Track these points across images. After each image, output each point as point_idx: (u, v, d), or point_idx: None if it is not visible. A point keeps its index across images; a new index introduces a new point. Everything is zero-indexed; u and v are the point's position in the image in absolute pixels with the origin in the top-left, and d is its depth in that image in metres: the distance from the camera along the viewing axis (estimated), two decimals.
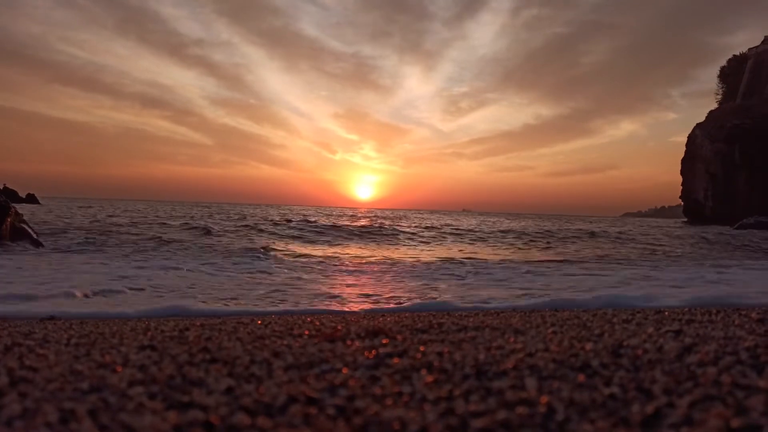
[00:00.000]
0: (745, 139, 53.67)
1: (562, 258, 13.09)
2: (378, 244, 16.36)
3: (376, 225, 24.34)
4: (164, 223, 20.20)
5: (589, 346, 1.58)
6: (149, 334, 2.06)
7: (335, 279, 8.26)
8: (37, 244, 12.22)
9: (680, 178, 65.32)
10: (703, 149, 59.14)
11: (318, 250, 13.66)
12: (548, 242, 18.91)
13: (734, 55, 71.52)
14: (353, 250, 14.04)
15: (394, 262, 11.12)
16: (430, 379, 1.23)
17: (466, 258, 12.21)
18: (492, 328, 2.11)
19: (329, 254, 12.68)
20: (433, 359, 1.43)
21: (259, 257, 11.43)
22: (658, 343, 1.61)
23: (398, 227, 23.53)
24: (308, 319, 3.00)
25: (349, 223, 24.30)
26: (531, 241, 19.38)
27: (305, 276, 8.37)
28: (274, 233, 18.50)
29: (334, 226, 21.55)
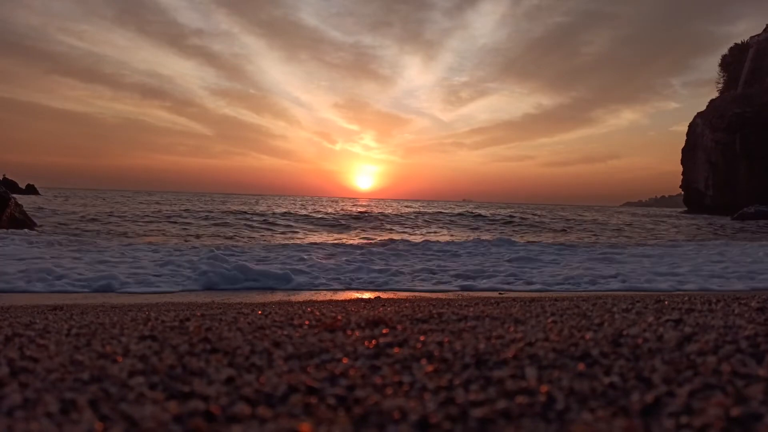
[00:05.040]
0: (747, 127, 53.46)
1: None
2: None
3: None
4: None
5: (588, 335, 1.58)
6: (150, 325, 2.07)
7: None
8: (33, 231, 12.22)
9: (681, 168, 65.17)
10: (704, 138, 58.94)
11: None
12: None
13: (736, 44, 71.10)
14: None
15: None
16: (430, 368, 1.23)
17: None
18: (492, 317, 2.11)
19: None
20: (433, 349, 1.43)
21: None
22: (658, 332, 1.61)
23: None
24: (308, 309, 3.01)
25: None
26: None
27: None
28: None
29: None
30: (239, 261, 8.04)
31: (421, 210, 35.62)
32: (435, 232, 20.81)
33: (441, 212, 32.00)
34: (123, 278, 6.99)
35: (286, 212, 27.50)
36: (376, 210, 34.56)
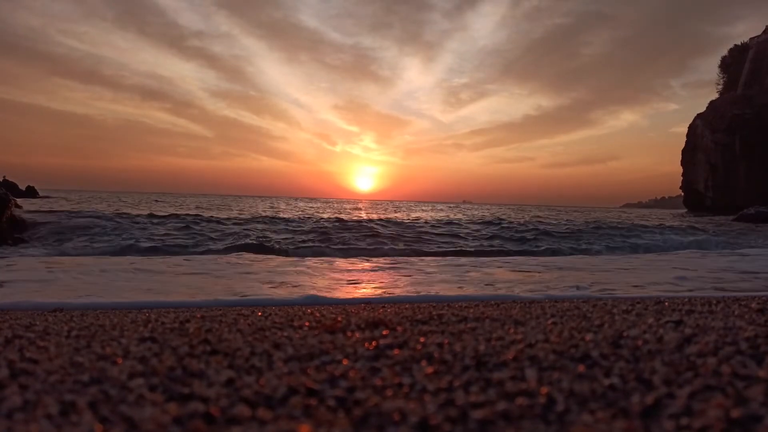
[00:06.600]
0: (746, 129, 53.53)
1: None
2: None
3: None
4: None
5: (589, 336, 1.58)
6: (150, 326, 2.07)
7: None
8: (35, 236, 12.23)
9: (681, 169, 65.23)
10: (704, 139, 59.01)
11: None
12: None
13: (735, 45, 71.18)
14: None
15: None
16: (430, 370, 1.23)
17: None
18: (492, 319, 2.11)
19: None
20: (433, 350, 1.43)
21: None
22: (658, 333, 1.61)
23: None
24: (308, 310, 3.01)
25: None
26: None
27: None
28: None
29: None
30: None
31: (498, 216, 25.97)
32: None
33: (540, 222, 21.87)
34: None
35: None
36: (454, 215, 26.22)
